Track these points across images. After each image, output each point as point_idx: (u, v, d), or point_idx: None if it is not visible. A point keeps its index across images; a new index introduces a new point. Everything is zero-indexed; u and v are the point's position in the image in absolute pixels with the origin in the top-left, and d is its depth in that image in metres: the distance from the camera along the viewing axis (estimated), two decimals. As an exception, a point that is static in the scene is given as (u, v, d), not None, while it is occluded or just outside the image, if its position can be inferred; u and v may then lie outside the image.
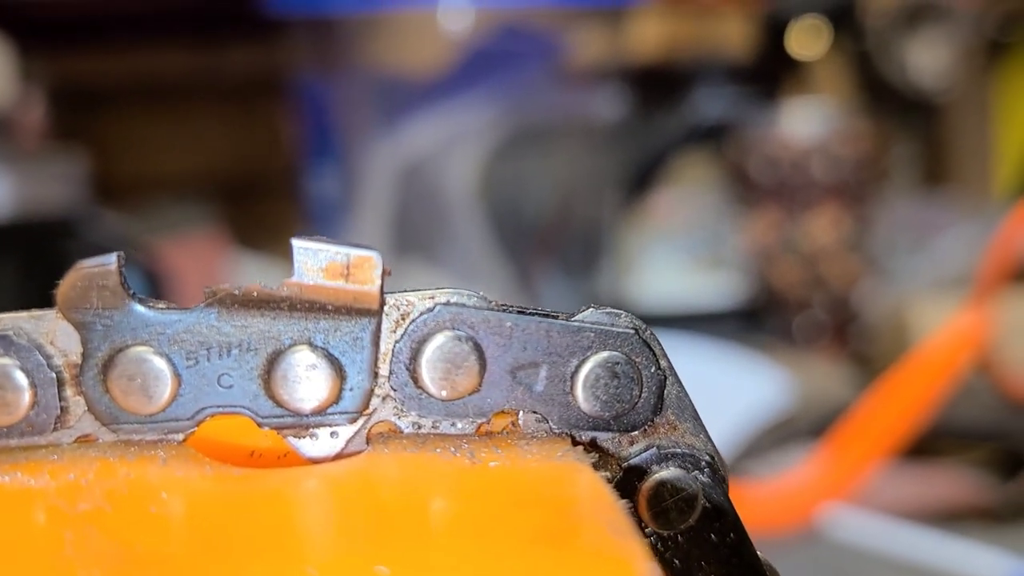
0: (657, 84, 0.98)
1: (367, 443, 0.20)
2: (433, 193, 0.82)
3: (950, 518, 0.56)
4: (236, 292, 0.19)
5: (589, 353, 0.20)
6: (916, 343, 0.68)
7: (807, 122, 0.89)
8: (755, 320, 0.91)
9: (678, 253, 0.96)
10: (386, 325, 0.20)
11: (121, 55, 1.13)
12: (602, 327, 0.20)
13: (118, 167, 1.07)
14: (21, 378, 0.19)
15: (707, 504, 0.20)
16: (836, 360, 0.84)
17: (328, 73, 0.88)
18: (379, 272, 0.19)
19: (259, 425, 0.19)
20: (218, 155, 1.15)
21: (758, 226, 0.89)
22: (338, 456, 0.20)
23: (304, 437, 0.20)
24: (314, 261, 0.19)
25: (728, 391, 0.67)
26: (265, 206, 1.09)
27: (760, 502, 0.58)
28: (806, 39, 0.99)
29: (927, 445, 0.61)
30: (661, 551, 0.20)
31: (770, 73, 1.00)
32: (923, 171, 1.12)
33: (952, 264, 0.86)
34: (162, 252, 0.82)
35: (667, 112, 1.00)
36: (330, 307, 0.19)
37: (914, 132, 1.10)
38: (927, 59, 1.01)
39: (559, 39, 0.87)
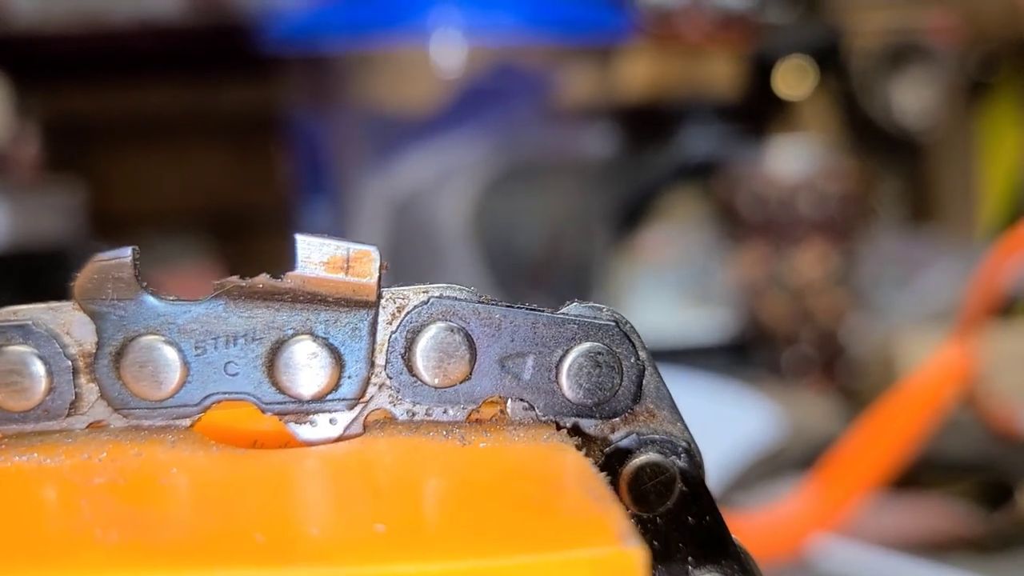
0: (646, 122, 0.99)
1: (363, 429, 0.21)
2: (425, 229, 0.83)
3: (938, 549, 0.56)
4: (243, 284, 0.20)
5: (573, 344, 0.21)
6: (902, 376, 0.68)
7: (794, 160, 0.90)
8: (743, 354, 0.91)
9: (667, 288, 0.97)
10: (383, 317, 0.21)
11: (116, 91, 1.14)
12: (585, 319, 0.21)
13: (113, 201, 1.07)
14: (38, 366, 0.20)
15: (684, 487, 0.21)
16: (824, 393, 0.84)
17: (322, 110, 0.89)
18: (377, 266, 0.20)
19: (262, 411, 0.21)
20: (212, 190, 1.16)
21: (746, 262, 0.90)
22: (337, 441, 0.21)
23: (304, 423, 0.21)
24: (316, 254, 0.20)
25: (718, 424, 0.67)
26: (258, 241, 1.10)
27: (749, 533, 0.58)
28: (792, 79, 1.01)
29: (914, 477, 0.61)
30: (641, 533, 0.21)
31: (757, 112, 1.01)
32: (908, 208, 1.14)
33: (937, 299, 0.86)
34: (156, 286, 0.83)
35: (656, 149, 1.01)
36: (330, 299, 0.20)
37: (899, 170, 1.11)
38: (911, 99, 1.03)
39: (550, 78, 0.88)
